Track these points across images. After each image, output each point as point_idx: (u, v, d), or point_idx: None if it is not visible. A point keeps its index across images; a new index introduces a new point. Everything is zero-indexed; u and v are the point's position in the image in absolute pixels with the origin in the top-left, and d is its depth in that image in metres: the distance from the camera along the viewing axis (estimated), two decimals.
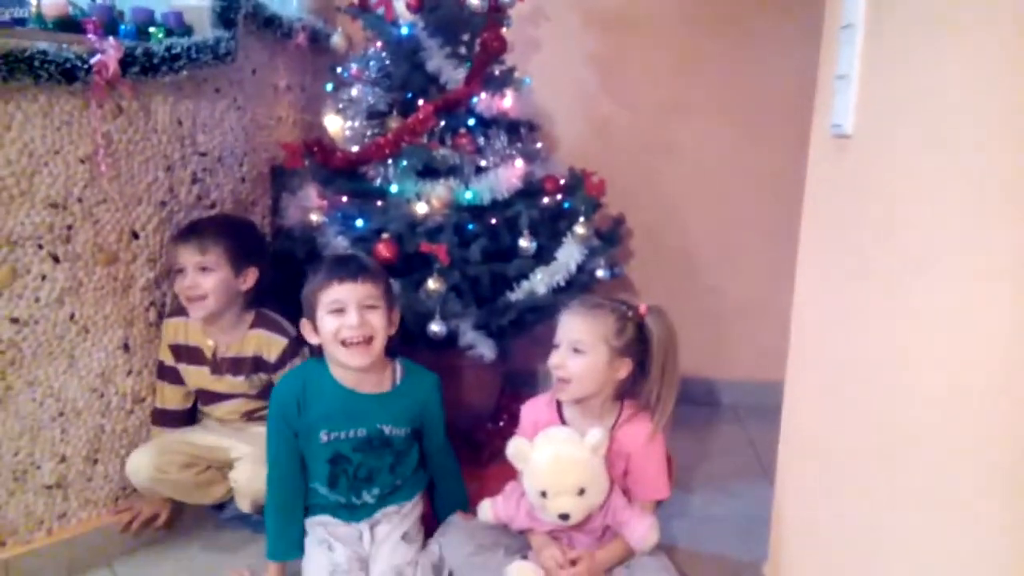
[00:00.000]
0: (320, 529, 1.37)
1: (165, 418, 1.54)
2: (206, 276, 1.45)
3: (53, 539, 1.38)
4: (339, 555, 1.32)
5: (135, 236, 1.44)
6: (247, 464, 1.44)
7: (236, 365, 1.53)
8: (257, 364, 1.53)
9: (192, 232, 1.48)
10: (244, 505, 1.46)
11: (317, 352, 1.39)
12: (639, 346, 1.32)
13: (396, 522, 1.39)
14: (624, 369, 1.31)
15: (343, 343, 1.30)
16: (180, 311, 1.51)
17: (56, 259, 1.31)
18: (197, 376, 1.53)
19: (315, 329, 1.35)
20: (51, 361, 1.34)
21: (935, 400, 0.76)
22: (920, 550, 0.80)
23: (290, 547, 1.36)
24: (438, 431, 1.46)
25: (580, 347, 1.28)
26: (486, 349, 1.69)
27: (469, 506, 1.47)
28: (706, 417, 2.22)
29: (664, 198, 2.28)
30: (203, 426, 1.58)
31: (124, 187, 1.40)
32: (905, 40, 0.88)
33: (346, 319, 1.29)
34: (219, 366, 1.53)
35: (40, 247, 1.29)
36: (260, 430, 1.46)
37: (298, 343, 1.50)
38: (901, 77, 0.89)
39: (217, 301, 1.47)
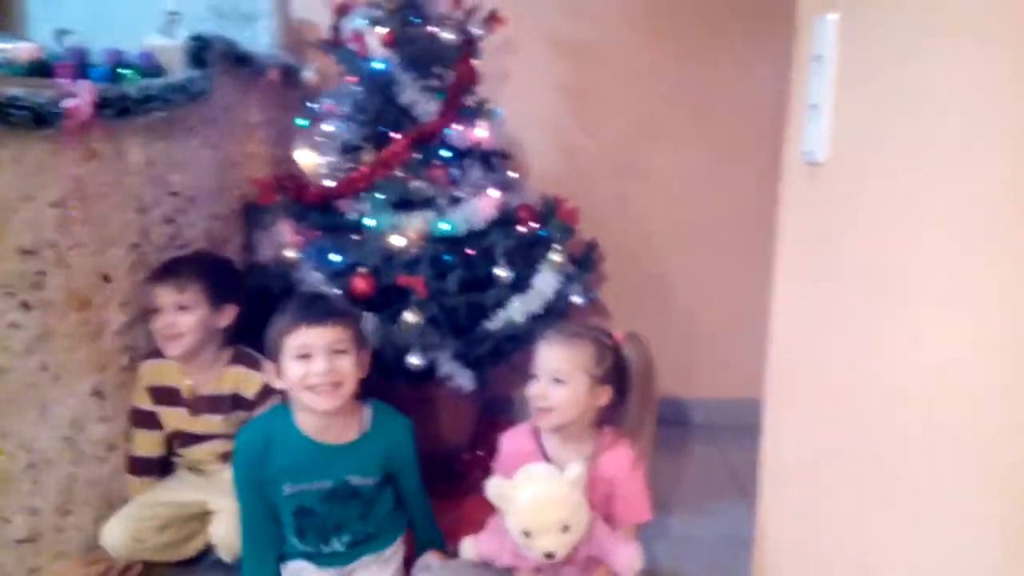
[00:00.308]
0: None
1: (140, 466, 1.51)
2: (184, 315, 1.44)
3: None
4: None
5: (107, 280, 1.41)
6: (225, 518, 1.41)
7: (214, 404, 1.51)
8: (236, 402, 1.51)
9: (168, 271, 1.46)
10: (225, 557, 1.44)
11: (283, 397, 1.35)
12: (618, 373, 1.35)
13: (374, 571, 1.37)
14: (604, 396, 1.33)
15: (309, 388, 1.27)
16: (156, 353, 1.49)
17: (27, 306, 1.28)
18: (175, 418, 1.51)
19: (279, 373, 1.30)
20: (21, 411, 1.30)
21: (917, 414, 0.80)
22: (910, 563, 0.83)
23: None
24: (411, 477, 1.43)
25: (560, 377, 1.29)
26: (464, 379, 1.70)
27: (447, 542, 1.46)
28: (679, 437, 2.25)
29: (635, 223, 2.33)
30: (177, 477, 1.55)
31: (97, 231, 1.37)
32: (876, 71, 0.92)
33: (313, 365, 1.25)
34: (197, 406, 1.50)
35: (12, 295, 1.26)
36: None
37: None
38: (872, 106, 0.94)
39: (194, 339, 1.46)
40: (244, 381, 1.51)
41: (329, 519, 1.34)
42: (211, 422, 1.51)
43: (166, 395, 1.50)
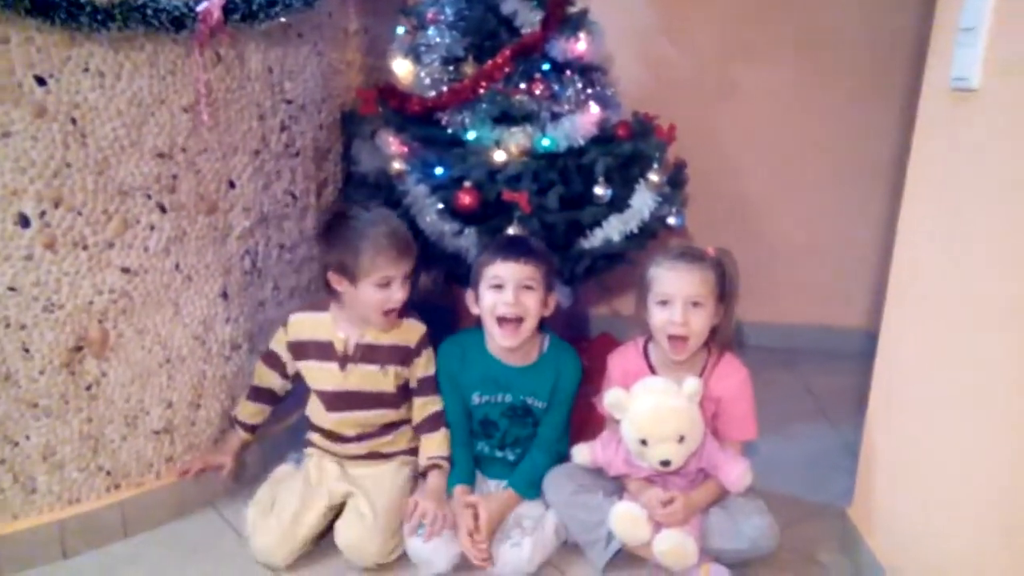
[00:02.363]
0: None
1: (256, 394, 1.50)
2: (405, 289, 1.37)
3: (162, 482, 1.44)
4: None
5: (232, 185, 1.45)
6: (350, 523, 1.35)
7: (371, 353, 1.41)
8: (394, 353, 1.43)
9: (407, 244, 1.38)
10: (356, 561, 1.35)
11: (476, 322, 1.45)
12: (726, 290, 1.36)
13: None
14: (719, 314, 1.34)
15: (498, 320, 1.37)
16: (310, 307, 1.46)
17: (163, 209, 1.33)
18: (325, 375, 1.42)
19: (476, 300, 1.42)
20: (158, 309, 1.37)
21: None
22: (1010, 481, 0.85)
23: (467, 476, 1.43)
24: (558, 409, 1.45)
25: (699, 300, 1.30)
26: (563, 296, 1.72)
27: None
28: (759, 361, 2.27)
29: (719, 144, 2.28)
30: (317, 479, 1.43)
31: (222, 136, 1.40)
32: None
33: (503, 295, 1.36)
34: (351, 357, 1.41)
35: (148, 197, 1.30)
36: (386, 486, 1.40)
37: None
38: None
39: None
40: (406, 330, 1.44)
41: (508, 434, 1.46)
42: (365, 374, 1.42)
43: (317, 349, 1.42)
